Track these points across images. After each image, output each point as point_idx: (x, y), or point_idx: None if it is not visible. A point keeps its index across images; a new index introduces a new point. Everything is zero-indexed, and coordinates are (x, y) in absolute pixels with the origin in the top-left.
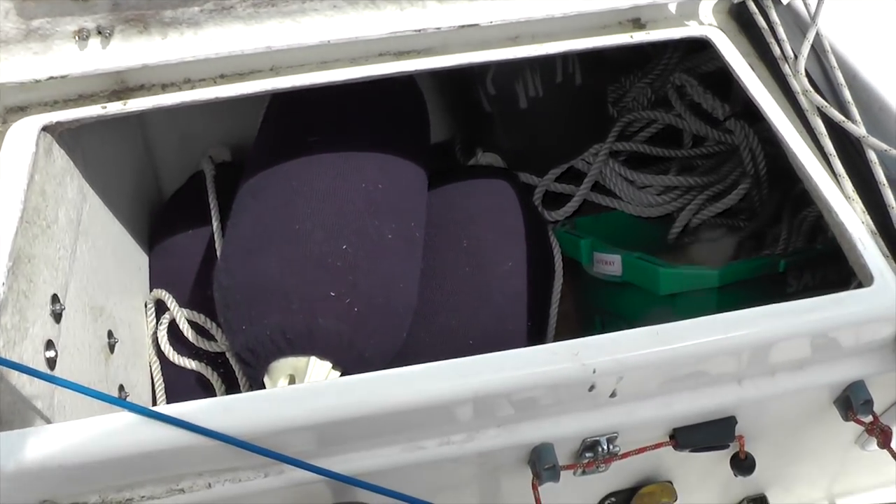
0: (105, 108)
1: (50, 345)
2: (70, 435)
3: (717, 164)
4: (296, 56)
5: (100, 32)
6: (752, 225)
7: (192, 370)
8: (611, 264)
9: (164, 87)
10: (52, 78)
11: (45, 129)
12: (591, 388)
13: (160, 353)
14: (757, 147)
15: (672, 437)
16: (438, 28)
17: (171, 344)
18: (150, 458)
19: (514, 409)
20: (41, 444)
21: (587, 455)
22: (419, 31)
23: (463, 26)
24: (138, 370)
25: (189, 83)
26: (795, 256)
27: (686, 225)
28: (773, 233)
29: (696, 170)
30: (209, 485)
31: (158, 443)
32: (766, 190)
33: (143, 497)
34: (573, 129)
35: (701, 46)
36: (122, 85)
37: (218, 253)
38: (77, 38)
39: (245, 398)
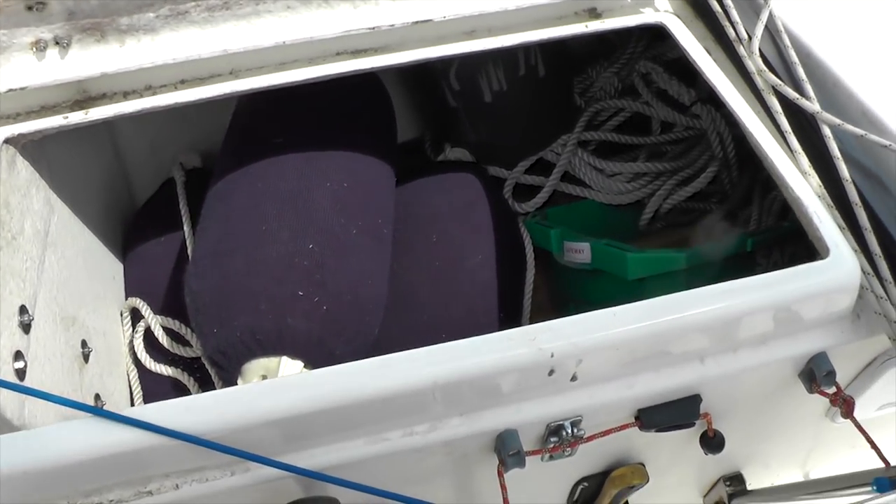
0: (67, 118)
1: (19, 355)
2: (34, 441)
3: (686, 149)
4: (254, 58)
5: (57, 43)
6: (722, 207)
7: (169, 376)
8: (581, 252)
9: (126, 95)
10: (11, 90)
11: (6, 141)
12: (551, 372)
13: (137, 361)
14: (725, 130)
15: (637, 417)
16: (392, 25)
17: (148, 351)
18: (116, 462)
19: (475, 396)
20: (5, 452)
21: (552, 440)
22: (373, 28)
23: (417, 22)
24: (115, 378)
25: (150, 90)
26: (763, 235)
27: (657, 210)
28: (744, 214)
29: (666, 156)
30: (177, 486)
31: (123, 445)
32: (735, 172)
33: (111, 501)
34: (540, 120)
35: (665, 34)
36: (83, 95)
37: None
38: (35, 49)
39: (206, 397)
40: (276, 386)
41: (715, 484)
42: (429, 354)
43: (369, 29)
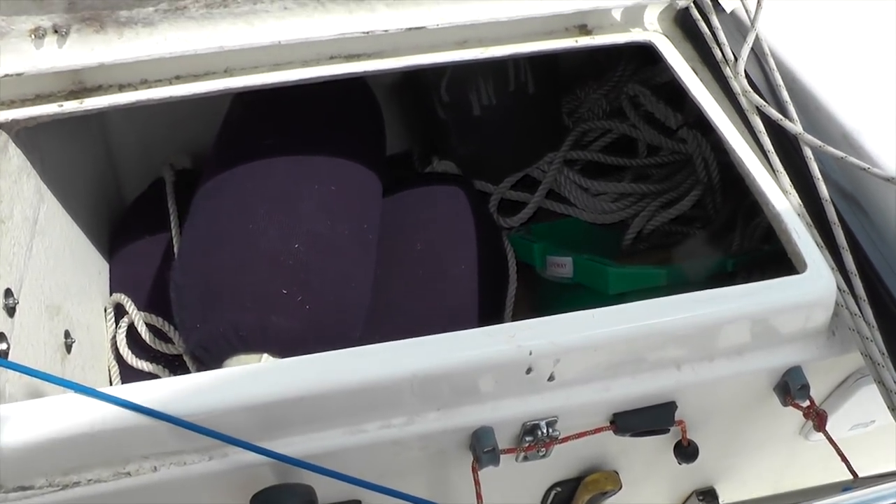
0: (62, 105)
1: (1, 337)
2: (14, 416)
3: (671, 172)
4: (249, 57)
5: (56, 31)
6: (705, 231)
7: (150, 372)
8: (563, 267)
9: (122, 88)
10: (7, 76)
11: (0, 126)
12: (529, 370)
13: (118, 356)
14: (710, 156)
15: (612, 422)
16: (386, 30)
17: (130, 347)
18: (96, 440)
19: (452, 391)
20: None
21: (527, 439)
22: (367, 32)
23: (410, 28)
24: (97, 372)
25: (146, 83)
26: (744, 257)
27: (640, 231)
28: (727, 239)
29: (651, 178)
30: (155, 468)
31: (104, 424)
32: (719, 198)
33: (89, 480)
34: (527, 137)
35: (654, 58)
36: (79, 85)
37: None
38: (33, 36)
39: (187, 379)
40: (257, 371)
41: (688, 498)
42: (408, 346)
43: (364, 33)
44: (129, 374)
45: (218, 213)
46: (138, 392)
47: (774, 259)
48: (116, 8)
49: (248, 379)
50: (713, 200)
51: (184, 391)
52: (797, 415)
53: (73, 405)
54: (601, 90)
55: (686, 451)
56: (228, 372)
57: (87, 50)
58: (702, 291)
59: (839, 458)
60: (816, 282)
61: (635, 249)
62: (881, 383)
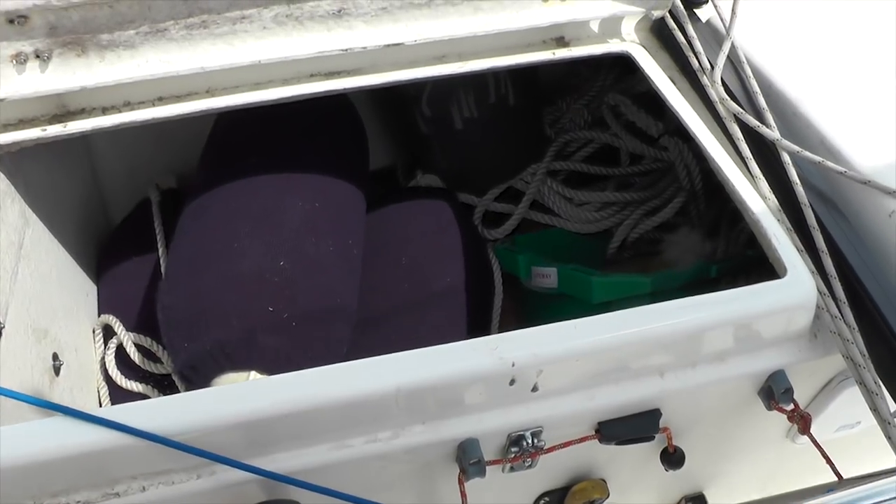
0: (45, 130)
1: None
2: (1, 440)
3: (654, 180)
4: (230, 77)
5: (38, 56)
6: (690, 238)
7: (140, 393)
8: (547, 277)
9: (105, 111)
10: None
11: None
12: (512, 381)
13: (108, 378)
14: (692, 162)
15: (597, 430)
16: (364, 47)
17: (119, 368)
18: (84, 462)
19: (437, 404)
20: None
21: (513, 450)
22: (346, 50)
23: (388, 45)
24: (86, 394)
25: (129, 105)
26: (727, 262)
27: (624, 239)
28: (711, 245)
29: (634, 186)
30: (143, 488)
31: (91, 445)
32: (703, 204)
33: (78, 502)
34: (509, 149)
35: (633, 68)
36: (62, 109)
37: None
38: (15, 61)
39: (173, 399)
40: (242, 389)
41: None
42: (391, 361)
43: (342, 51)
44: (118, 395)
45: (203, 233)
46: (125, 413)
47: (758, 264)
48: (98, 31)
49: (233, 397)
50: (696, 207)
51: (170, 410)
52: (783, 418)
53: (59, 428)
54: (583, 100)
55: (672, 458)
56: (213, 390)
57: (69, 74)
58: (682, 299)
59: (836, 463)
60: (797, 286)
61: (620, 258)
62: (862, 384)
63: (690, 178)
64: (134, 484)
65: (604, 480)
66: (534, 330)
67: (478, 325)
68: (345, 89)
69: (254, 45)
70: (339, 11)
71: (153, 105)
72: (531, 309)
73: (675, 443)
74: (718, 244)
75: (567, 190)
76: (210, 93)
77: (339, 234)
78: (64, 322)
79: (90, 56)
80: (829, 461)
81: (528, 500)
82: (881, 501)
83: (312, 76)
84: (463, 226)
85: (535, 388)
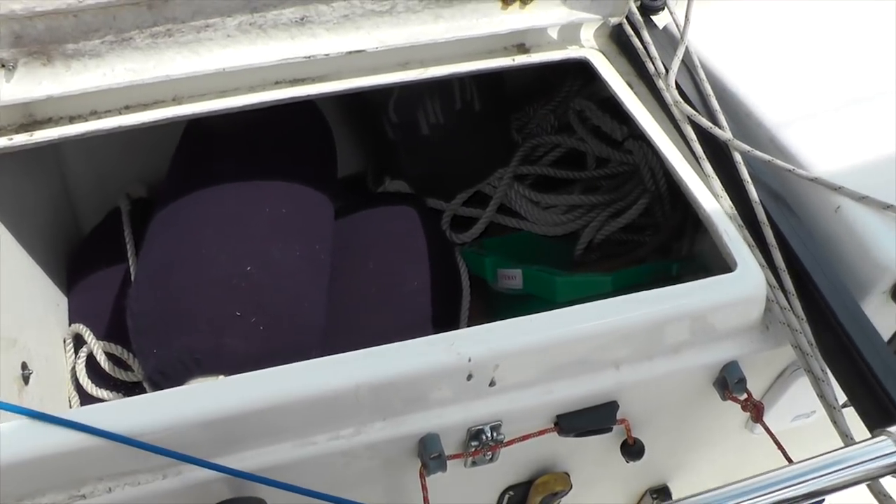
0: (11, 139)
1: None
2: None
3: (620, 183)
4: (196, 85)
5: (3, 66)
6: (655, 239)
7: (111, 401)
8: (513, 279)
9: (72, 119)
10: None
11: None
12: (470, 377)
13: (78, 386)
14: (656, 165)
15: (556, 423)
16: (327, 54)
17: (90, 376)
18: (50, 465)
19: (397, 400)
20: None
21: (473, 444)
22: (309, 57)
23: (351, 52)
24: (56, 403)
25: (95, 114)
26: (688, 261)
27: (591, 241)
28: (677, 246)
29: (601, 189)
30: (110, 489)
31: (57, 448)
32: (668, 206)
33: None
34: (476, 154)
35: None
36: (29, 118)
37: None
38: None
39: (137, 400)
40: (206, 389)
41: (642, 497)
42: (352, 359)
43: (305, 58)
44: (89, 404)
45: (171, 240)
46: (89, 414)
47: (718, 262)
48: (63, 41)
49: (197, 396)
50: (662, 208)
51: (135, 411)
52: (739, 409)
53: (24, 431)
54: (549, 106)
55: (632, 450)
56: (177, 390)
57: (35, 83)
58: (635, 293)
59: (793, 452)
60: (747, 279)
61: (588, 259)
62: (810, 372)
63: (655, 180)
64: (100, 485)
65: (567, 473)
66: (490, 326)
67: (446, 327)
68: (309, 96)
69: (218, 53)
70: (302, 19)
71: (120, 113)
72: (498, 310)
73: (634, 434)
74: (683, 244)
75: (534, 194)
76: (176, 101)
77: (306, 239)
78: (34, 331)
79: (56, 65)
80: (780, 447)
81: (493, 495)
82: (820, 476)
83: (277, 83)
84: (430, 230)
85: (492, 383)
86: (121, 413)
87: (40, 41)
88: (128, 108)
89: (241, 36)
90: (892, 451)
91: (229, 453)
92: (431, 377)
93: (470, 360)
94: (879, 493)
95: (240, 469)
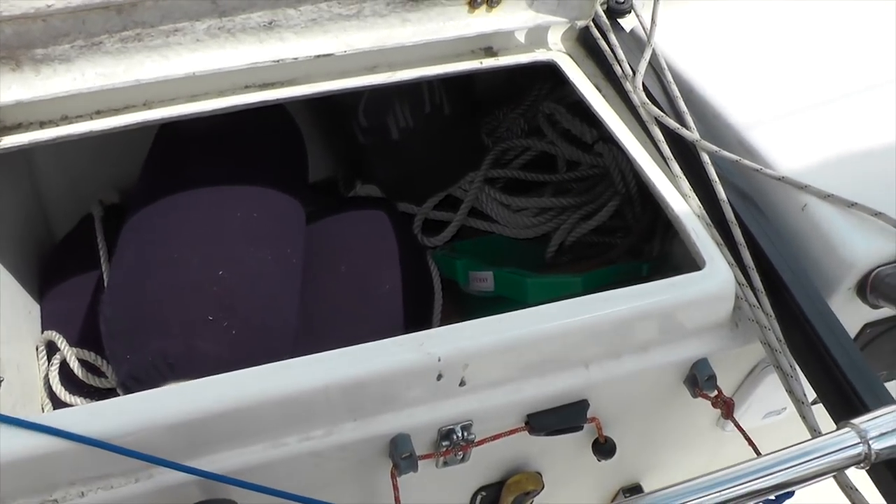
0: None
1: None
2: None
3: (591, 185)
4: (166, 89)
5: None
6: (626, 241)
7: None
8: (484, 281)
9: (42, 125)
10: None
11: None
12: (440, 376)
13: (52, 394)
14: (626, 167)
15: (527, 422)
16: (296, 58)
17: (63, 383)
18: (21, 469)
19: (367, 401)
20: None
21: (444, 444)
22: (278, 61)
23: (319, 56)
24: (28, 411)
25: (66, 119)
26: (658, 261)
27: (562, 244)
28: (648, 248)
29: (571, 192)
30: (82, 493)
31: (28, 451)
32: (638, 208)
33: None
34: (447, 158)
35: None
36: None
37: None
38: None
39: (107, 403)
40: (176, 391)
41: (616, 496)
42: (320, 360)
43: (274, 62)
44: None
45: (143, 245)
46: (60, 418)
47: (688, 262)
48: (32, 46)
49: (167, 399)
50: (632, 210)
51: (106, 414)
52: (710, 407)
53: None
54: (519, 109)
55: (603, 448)
56: (147, 393)
57: (4, 88)
58: (603, 292)
59: (765, 448)
60: (715, 277)
61: (559, 261)
62: (779, 368)
63: (625, 182)
64: (72, 490)
65: (539, 473)
66: (459, 325)
67: (418, 330)
68: (278, 100)
69: (188, 58)
70: (270, 23)
71: (91, 118)
72: (470, 313)
73: (605, 433)
74: (654, 245)
75: (505, 197)
76: (147, 105)
77: (277, 243)
78: (5, 339)
79: (25, 70)
80: (750, 442)
81: (465, 496)
82: (785, 469)
83: (247, 87)
84: (401, 233)
85: (462, 383)
86: (92, 416)
87: (8, 46)
88: (99, 113)
89: (209, 40)
90: (856, 442)
91: (201, 455)
92: (401, 377)
93: (440, 360)
94: (845, 486)
95: (211, 471)
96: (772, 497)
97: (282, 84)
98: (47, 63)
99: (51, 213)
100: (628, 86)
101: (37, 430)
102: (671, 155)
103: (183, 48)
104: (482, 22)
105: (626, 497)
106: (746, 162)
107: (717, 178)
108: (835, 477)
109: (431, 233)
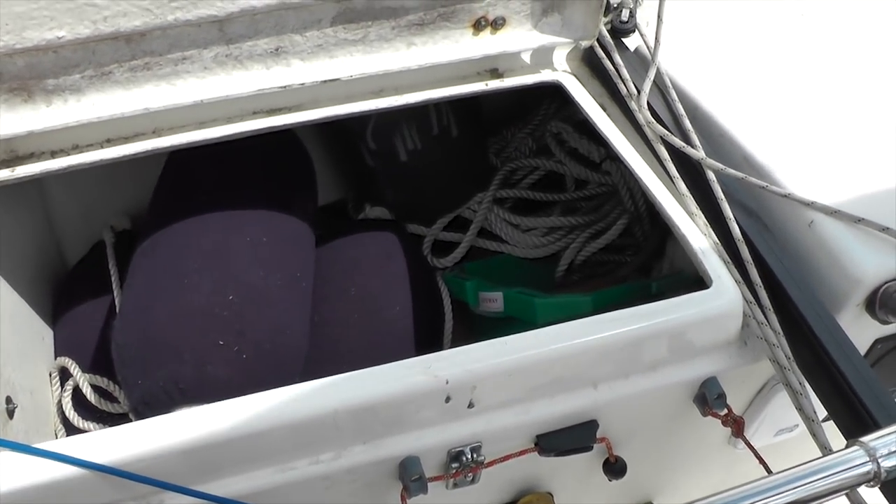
0: None
1: None
2: None
3: (599, 204)
4: (174, 117)
5: None
6: (636, 259)
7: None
8: (494, 301)
9: (54, 154)
10: None
11: None
12: (448, 399)
13: (65, 420)
14: (634, 185)
15: (536, 443)
16: (303, 84)
17: (76, 409)
18: (32, 496)
19: (376, 424)
20: None
21: (454, 465)
22: (285, 87)
23: (325, 81)
24: (42, 436)
25: (77, 148)
26: (667, 279)
27: (571, 263)
28: (658, 266)
29: (580, 211)
30: None
31: (39, 479)
32: (647, 225)
33: None
34: (455, 179)
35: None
36: (11, 154)
37: None
38: None
39: (120, 430)
40: (186, 417)
41: None
42: (329, 384)
43: (281, 87)
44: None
45: (154, 271)
46: (72, 445)
47: (697, 280)
48: (43, 77)
49: (177, 425)
50: (641, 228)
51: (116, 441)
52: (723, 427)
53: (6, 463)
54: (526, 129)
55: (614, 468)
56: (158, 420)
57: (16, 119)
58: (610, 312)
59: (777, 466)
60: (722, 295)
61: (569, 281)
62: (788, 385)
63: (633, 200)
64: None
65: (550, 493)
66: (466, 347)
67: (429, 352)
68: (286, 125)
69: (196, 85)
70: (277, 50)
71: (101, 147)
72: (480, 334)
73: (616, 452)
74: (664, 263)
75: (514, 216)
76: (156, 133)
77: (287, 267)
78: (18, 365)
79: (37, 101)
80: (761, 460)
81: None
82: (794, 488)
83: (255, 113)
84: (411, 255)
85: (471, 405)
86: (103, 443)
87: (20, 77)
88: (109, 142)
89: (217, 68)
90: (865, 461)
91: (211, 480)
92: (410, 400)
93: (448, 382)
94: None
95: (221, 496)
96: None
97: (289, 109)
98: (58, 93)
99: (63, 239)
100: (633, 105)
101: (50, 458)
102: (677, 173)
103: (191, 76)
104: (487, 44)
105: None
106: (752, 179)
107: (723, 196)
108: (847, 495)
109: (441, 254)
